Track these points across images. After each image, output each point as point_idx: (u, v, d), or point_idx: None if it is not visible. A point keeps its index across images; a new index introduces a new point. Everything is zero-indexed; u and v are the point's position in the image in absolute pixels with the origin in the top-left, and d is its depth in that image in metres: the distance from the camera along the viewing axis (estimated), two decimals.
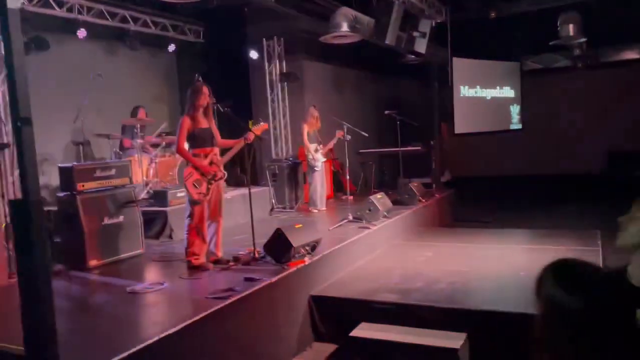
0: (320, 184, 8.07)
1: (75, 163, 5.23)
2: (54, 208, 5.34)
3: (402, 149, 8.77)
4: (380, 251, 6.45)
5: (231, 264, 5.02)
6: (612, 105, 12.19)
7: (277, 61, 9.76)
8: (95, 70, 7.36)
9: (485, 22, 10.27)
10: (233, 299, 3.93)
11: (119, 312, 3.93)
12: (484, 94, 11.12)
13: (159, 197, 6.62)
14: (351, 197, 9.62)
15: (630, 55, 12.76)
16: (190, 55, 10.21)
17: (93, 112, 7.51)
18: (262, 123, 5.33)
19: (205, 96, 4.92)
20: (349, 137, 6.97)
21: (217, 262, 5.07)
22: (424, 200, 8.28)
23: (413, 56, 10.91)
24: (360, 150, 10.38)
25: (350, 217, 6.81)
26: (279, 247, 4.90)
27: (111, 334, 3.49)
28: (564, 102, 12.76)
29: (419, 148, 9.71)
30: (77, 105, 7.21)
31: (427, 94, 11.18)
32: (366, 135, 7.40)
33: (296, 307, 4.70)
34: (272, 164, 8.66)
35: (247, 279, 4.40)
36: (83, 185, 5.25)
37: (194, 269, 4.89)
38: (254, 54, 9.78)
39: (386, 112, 8.52)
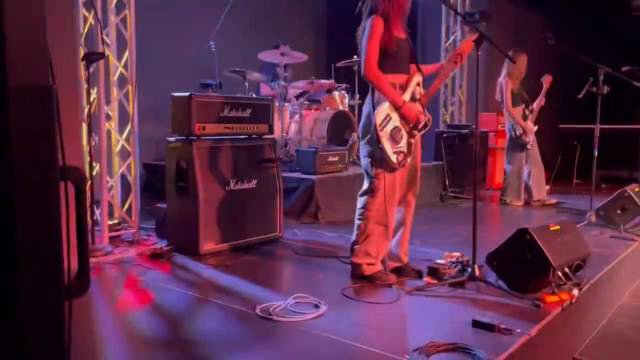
0: (537, 165, 5.64)
1: (194, 93, 3.45)
2: (162, 162, 3.60)
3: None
4: None
5: (427, 279, 2.92)
6: None
7: None
8: None
9: None
10: None
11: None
12: None
13: (305, 159, 4.69)
14: (548, 187, 7.18)
15: None
16: None
17: (225, 45, 5.79)
18: (468, 36, 3.02)
19: None
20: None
21: (399, 271, 3.01)
22: None
23: None
24: (561, 125, 7.74)
25: (593, 219, 4.37)
26: (522, 263, 2.70)
27: None
28: None
29: None
30: (208, 30, 5.53)
31: None
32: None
33: None
34: (450, 132, 6.39)
35: (478, 324, 2.26)
36: (203, 128, 3.43)
37: (363, 279, 2.88)
38: None
39: (623, 68, 5.78)
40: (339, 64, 6.06)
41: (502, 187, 5.84)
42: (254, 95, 5.76)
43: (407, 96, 2.80)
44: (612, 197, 4.42)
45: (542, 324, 2.31)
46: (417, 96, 2.85)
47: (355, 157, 5.48)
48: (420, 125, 2.87)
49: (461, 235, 4.11)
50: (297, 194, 4.52)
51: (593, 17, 8.71)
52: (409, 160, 2.86)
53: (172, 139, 3.50)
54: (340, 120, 5.45)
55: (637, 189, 4.44)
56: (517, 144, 5.47)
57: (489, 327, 2.22)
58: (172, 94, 3.50)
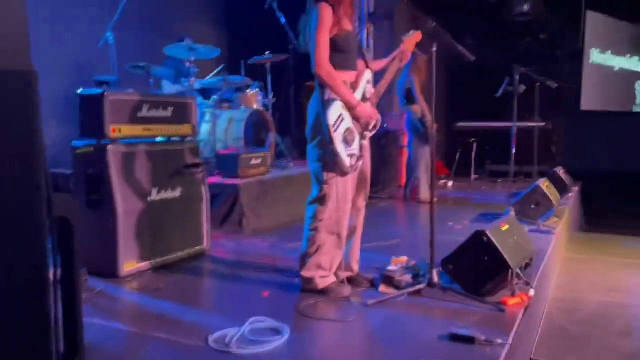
0: (429, 163, 5.80)
1: (107, 90, 2.97)
2: (68, 171, 3.08)
3: (536, 123, 6.42)
4: (561, 270, 4.21)
5: (383, 289, 2.76)
6: None
7: None
8: None
9: None
10: None
11: None
12: (613, 63, 8.75)
13: (226, 163, 4.33)
14: (450, 183, 7.46)
15: None
16: None
17: (124, 37, 5.22)
18: (412, 31, 2.92)
19: None
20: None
21: (351, 281, 2.82)
22: (571, 195, 6.01)
23: (526, 8, 8.66)
24: (459, 124, 8.09)
25: (513, 214, 4.51)
26: (479, 266, 2.64)
27: None
28: None
29: (544, 124, 7.37)
30: (102, 23, 4.94)
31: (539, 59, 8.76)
32: (554, 86, 5.08)
33: None
34: None
35: (457, 337, 2.14)
36: (119, 130, 2.97)
37: (315, 294, 2.65)
38: None
39: (522, 68, 6.13)
40: (250, 61, 5.74)
41: (411, 186, 5.90)
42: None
43: (358, 95, 2.62)
44: (526, 192, 4.62)
45: (514, 329, 2.26)
46: (368, 95, 2.67)
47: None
48: (371, 126, 2.70)
49: (393, 236, 4.05)
50: (218, 201, 4.15)
51: (481, 21, 9.24)
52: (360, 163, 2.68)
53: (81, 143, 2.98)
54: (257, 120, 5.15)
55: (546, 184, 4.69)
56: (422, 139, 5.58)
57: (469, 340, 2.10)
58: (80, 91, 2.98)
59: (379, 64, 2.88)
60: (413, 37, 2.86)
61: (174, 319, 2.39)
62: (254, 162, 4.40)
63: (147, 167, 3.10)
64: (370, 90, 2.69)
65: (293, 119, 6.22)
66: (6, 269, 0.59)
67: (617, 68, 8.91)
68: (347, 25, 2.62)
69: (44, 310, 0.61)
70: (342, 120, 2.52)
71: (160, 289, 2.79)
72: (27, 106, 0.56)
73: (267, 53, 5.59)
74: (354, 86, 2.63)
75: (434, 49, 2.58)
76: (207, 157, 4.75)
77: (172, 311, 2.49)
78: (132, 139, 3.06)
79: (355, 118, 2.59)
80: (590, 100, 8.21)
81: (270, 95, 5.66)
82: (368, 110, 2.60)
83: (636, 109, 9.50)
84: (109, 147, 2.90)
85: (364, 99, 2.65)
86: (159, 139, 3.24)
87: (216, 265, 3.27)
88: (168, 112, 3.24)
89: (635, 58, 9.27)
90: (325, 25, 2.47)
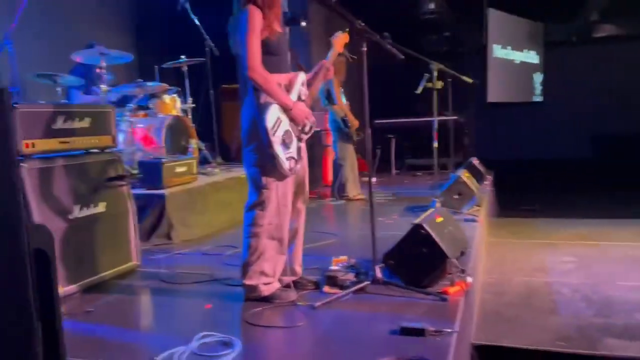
0: (355, 161, 5.93)
1: (18, 102, 2.72)
2: None
3: (450, 117, 6.74)
4: (486, 255, 4.43)
5: (327, 289, 2.75)
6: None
7: None
8: None
9: None
10: None
11: None
12: (514, 57, 9.37)
13: (149, 172, 4.13)
14: (374, 180, 7.60)
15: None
16: None
17: (24, 44, 4.84)
18: (339, 33, 2.93)
19: None
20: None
21: (295, 284, 2.79)
22: (487, 183, 6.35)
23: (432, 7, 9.05)
24: (377, 121, 8.26)
25: (439, 205, 4.68)
26: (419, 259, 2.71)
27: None
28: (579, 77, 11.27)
29: (456, 118, 7.73)
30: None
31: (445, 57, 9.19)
32: (470, 81, 5.30)
33: None
34: None
35: (407, 331, 2.17)
36: (33, 145, 2.73)
37: (261, 301, 2.59)
38: None
39: (438, 66, 6.37)
40: (164, 66, 5.52)
41: (339, 184, 5.96)
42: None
43: (293, 97, 2.59)
44: (448, 184, 4.82)
45: (458, 317, 2.33)
46: (303, 97, 2.65)
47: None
48: (307, 128, 2.68)
49: (328, 235, 4.06)
50: (144, 213, 3.94)
51: (390, 19, 9.53)
52: (299, 166, 2.66)
53: None
54: (177, 126, 4.96)
55: (466, 175, 4.92)
56: (346, 138, 5.69)
57: (419, 332, 2.14)
58: None
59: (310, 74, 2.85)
60: (341, 38, 2.88)
61: (112, 343, 2.24)
62: (178, 169, 4.23)
63: (67, 183, 2.88)
64: (305, 92, 2.67)
65: (214, 123, 6.07)
66: None
67: (517, 61, 9.56)
68: (278, 27, 2.58)
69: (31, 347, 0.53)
70: (279, 123, 2.48)
71: (91, 312, 2.59)
72: (3, 125, 0.48)
73: (182, 57, 5.41)
74: (287, 88, 2.59)
75: (364, 48, 2.60)
76: (128, 168, 4.51)
77: (110, 334, 2.33)
78: (48, 153, 2.82)
79: (292, 120, 2.56)
80: (495, 92, 8.73)
81: (189, 100, 5.48)
82: (304, 112, 2.58)
83: (536, 99, 10.25)
84: (23, 165, 2.66)
85: (299, 100, 2.62)
86: (77, 152, 3.02)
87: (150, 281, 3.10)
88: (85, 123, 3.03)
89: (533, 52, 10.00)
90: (255, 29, 2.42)
